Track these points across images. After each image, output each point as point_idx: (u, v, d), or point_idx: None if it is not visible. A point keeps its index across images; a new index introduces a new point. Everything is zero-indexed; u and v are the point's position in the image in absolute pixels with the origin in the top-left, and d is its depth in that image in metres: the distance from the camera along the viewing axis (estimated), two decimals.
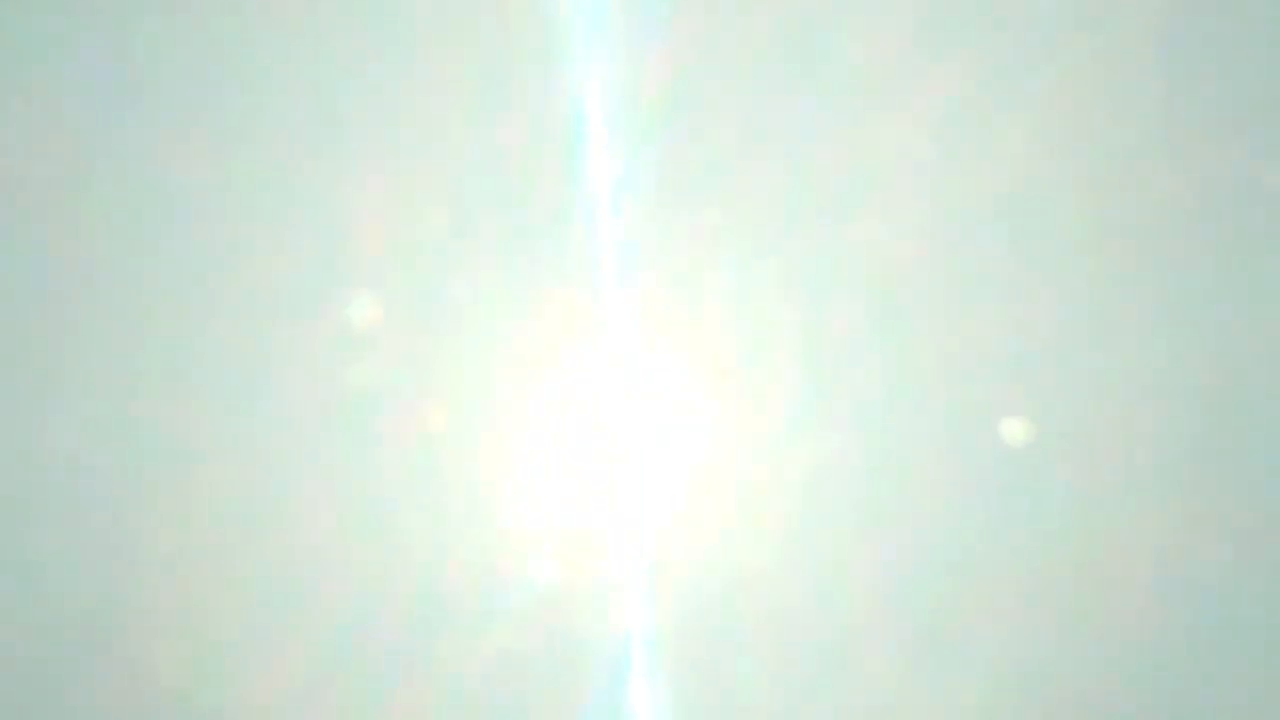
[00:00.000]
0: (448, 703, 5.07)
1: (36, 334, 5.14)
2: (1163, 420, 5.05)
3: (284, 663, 5.08)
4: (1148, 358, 5.07)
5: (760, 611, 5.09)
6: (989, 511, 5.08)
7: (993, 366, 5.09)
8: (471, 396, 5.13)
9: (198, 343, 5.13)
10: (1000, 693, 5.04)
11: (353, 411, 5.12)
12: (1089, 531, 5.06)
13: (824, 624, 5.07)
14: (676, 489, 5.14)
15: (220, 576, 5.09)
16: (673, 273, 5.12)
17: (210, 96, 5.14)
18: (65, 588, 5.08)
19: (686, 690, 5.07)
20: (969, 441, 5.09)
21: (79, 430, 5.12)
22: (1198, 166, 5.09)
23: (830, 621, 5.08)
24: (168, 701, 5.05)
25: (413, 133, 5.13)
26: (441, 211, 5.13)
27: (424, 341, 5.13)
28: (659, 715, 5.05)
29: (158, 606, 5.08)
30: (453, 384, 5.14)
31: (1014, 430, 5.07)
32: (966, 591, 5.05)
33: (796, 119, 5.11)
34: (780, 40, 5.14)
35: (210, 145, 5.14)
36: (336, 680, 5.08)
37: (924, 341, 5.11)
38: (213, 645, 5.07)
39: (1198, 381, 5.06)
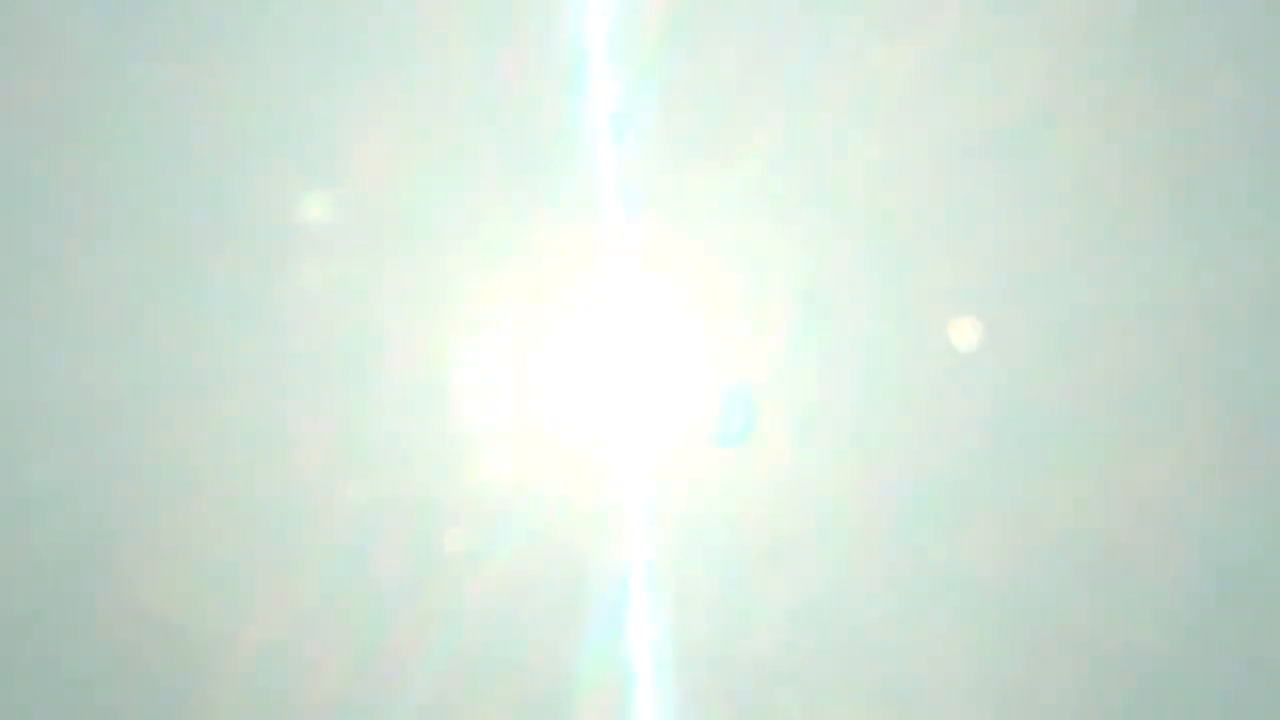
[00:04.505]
0: (449, 629, 5.10)
1: (40, 256, 5.16)
2: (1162, 342, 5.07)
3: (284, 590, 5.11)
4: (1147, 278, 5.09)
5: (760, 538, 5.12)
6: (987, 440, 5.10)
7: (994, 294, 5.11)
8: (475, 322, 5.15)
9: (200, 264, 5.14)
10: (997, 620, 5.07)
11: (355, 336, 5.13)
12: (1086, 462, 5.08)
13: (823, 549, 5.10)
14: (677, 415, 5.16)
15: (221, 500, 5.11)
16: (674, 195, 5.14)
17: (216, 20, 5.16)
18: (65, 512, 5.10)
19: (686, 614, 5.10)
20: (969, 369, 5.11)
21: (79, 355, 5.13)
22: (1194, 89, 5.11)
23: (829, 547, 5.10)
24: (166, 625, 5.07)
25: (417, 61, 5.14)
26: (446, 138, 5.14)
27: (428, 266, 5.15)
28: (659, 640, 5.07)
29: (157, 531, 5.10)
30: (456, 309, 5.15)
31: (1015, 359, 5.09)
32: (964, 520, 5.08)
33: (797, 45, 5.12)
34: None
35: (216, 72, 5.16)
36: (338, 606, 5.11)
37: (923, 272, 5.13)
38: (214, 569, 5.09)
39: (1198, 302, 5.09)
